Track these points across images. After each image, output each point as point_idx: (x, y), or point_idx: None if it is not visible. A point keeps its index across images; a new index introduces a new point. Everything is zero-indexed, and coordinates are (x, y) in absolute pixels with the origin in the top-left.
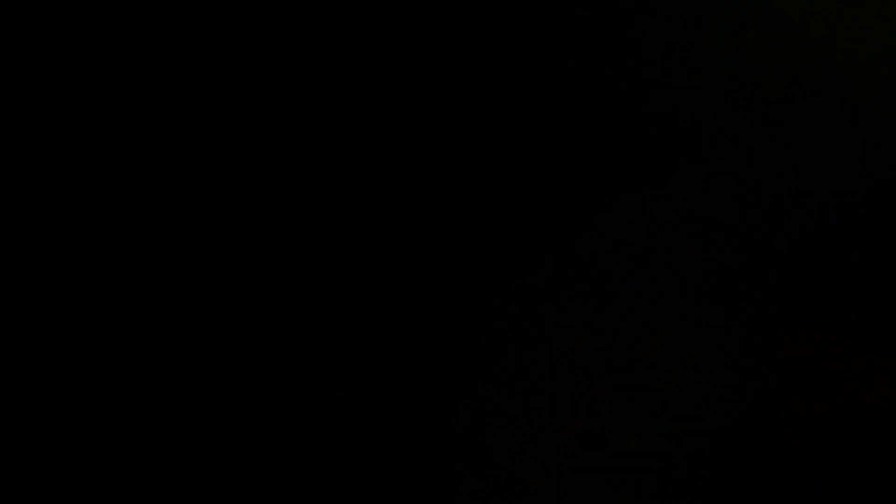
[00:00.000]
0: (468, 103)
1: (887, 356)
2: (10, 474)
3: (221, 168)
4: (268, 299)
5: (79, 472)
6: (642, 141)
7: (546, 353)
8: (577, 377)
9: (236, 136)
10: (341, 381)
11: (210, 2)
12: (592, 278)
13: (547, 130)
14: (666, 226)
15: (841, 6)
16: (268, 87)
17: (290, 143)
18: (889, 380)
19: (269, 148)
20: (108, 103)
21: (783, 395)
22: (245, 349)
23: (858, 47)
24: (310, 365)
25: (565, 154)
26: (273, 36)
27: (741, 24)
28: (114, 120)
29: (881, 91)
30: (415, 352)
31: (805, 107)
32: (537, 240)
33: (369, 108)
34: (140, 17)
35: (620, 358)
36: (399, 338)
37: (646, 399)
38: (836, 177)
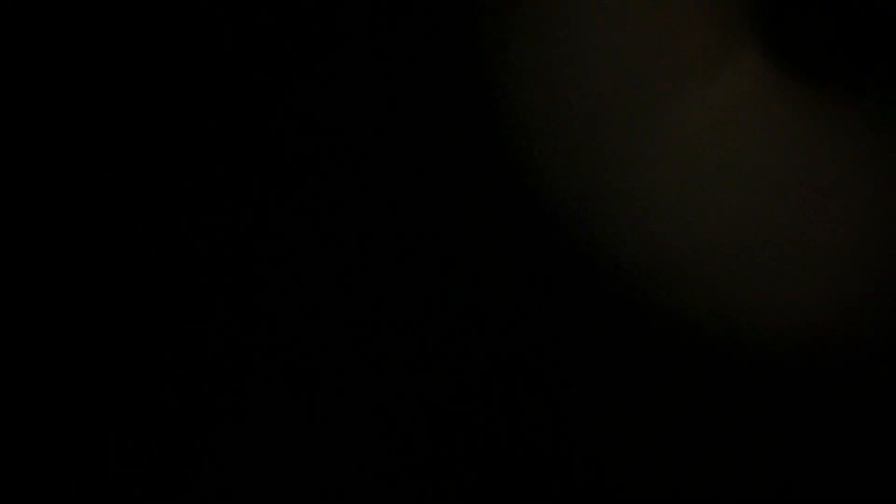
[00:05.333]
0: None
1: None
2: (9, 474)
3: (216, 167)
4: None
5: (77, 471)
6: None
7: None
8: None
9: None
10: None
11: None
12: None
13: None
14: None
15: None
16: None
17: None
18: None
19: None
20: (106, 103)
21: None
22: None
23: None
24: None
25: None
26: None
27: None
28: (111, 120)
29: None
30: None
31: None
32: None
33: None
34: (140, 16)
35: None
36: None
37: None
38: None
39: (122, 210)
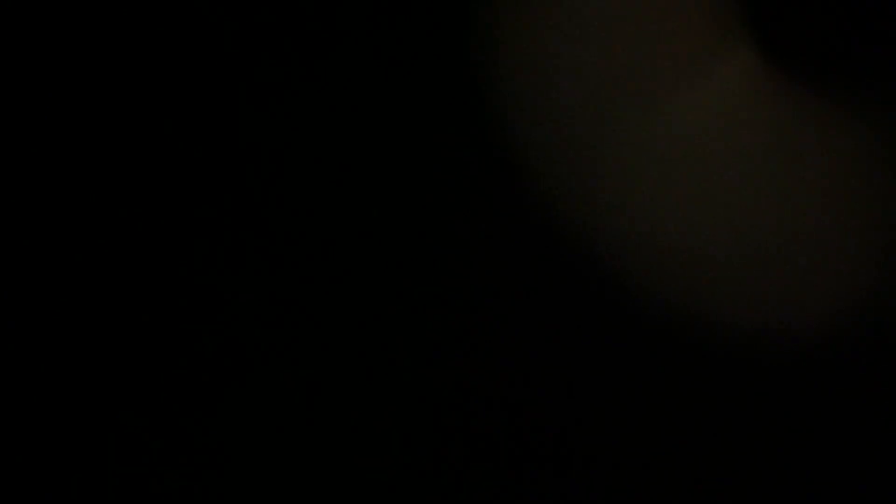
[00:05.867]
0: None
1: None
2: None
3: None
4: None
5: (76, 471)
6: None
7: None
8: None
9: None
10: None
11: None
12: None
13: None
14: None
15: None
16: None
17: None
18: None
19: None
20: (106, 103)
21: None
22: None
23: None
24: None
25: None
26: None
27: None
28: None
29: None
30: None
31: None
32: None
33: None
34: (139, 16)
35: None
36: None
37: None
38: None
39: (123, 210)
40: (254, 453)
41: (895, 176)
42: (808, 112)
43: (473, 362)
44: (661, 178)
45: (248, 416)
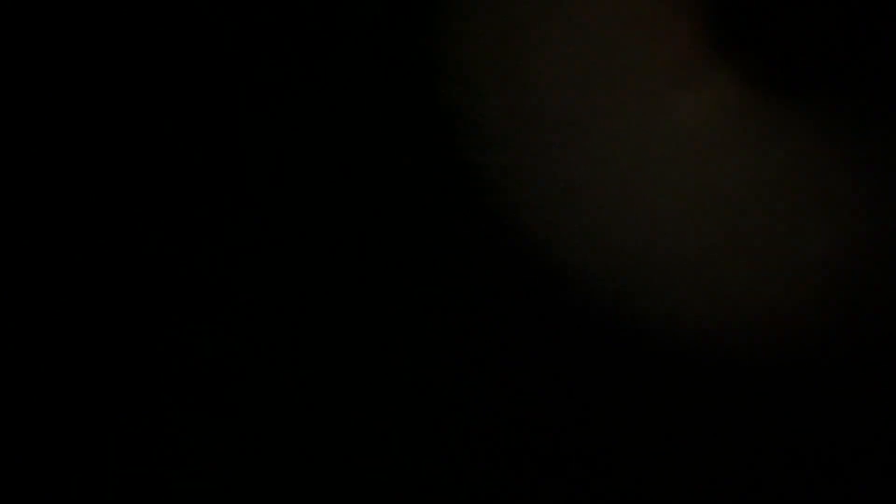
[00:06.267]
0: None
1: None
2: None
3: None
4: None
5: (76, 471)
6: None
7: None
8: None
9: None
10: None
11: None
12: None
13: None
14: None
15: None
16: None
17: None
18: None
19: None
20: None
21: None
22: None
23: None
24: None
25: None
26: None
27: None
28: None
29: None
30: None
31: None
32: None
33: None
34: (139, 16)
35: None
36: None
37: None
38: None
39: (122, 210)
40: (249, 454)
41: (888, 185)
42: (793, 127)
43: (461, 368)
44: (647, 185)
45: (240, 416)
